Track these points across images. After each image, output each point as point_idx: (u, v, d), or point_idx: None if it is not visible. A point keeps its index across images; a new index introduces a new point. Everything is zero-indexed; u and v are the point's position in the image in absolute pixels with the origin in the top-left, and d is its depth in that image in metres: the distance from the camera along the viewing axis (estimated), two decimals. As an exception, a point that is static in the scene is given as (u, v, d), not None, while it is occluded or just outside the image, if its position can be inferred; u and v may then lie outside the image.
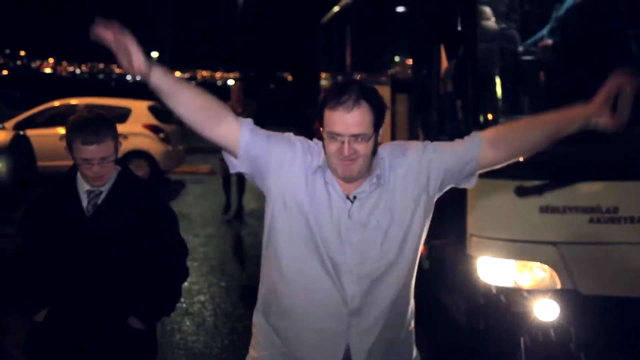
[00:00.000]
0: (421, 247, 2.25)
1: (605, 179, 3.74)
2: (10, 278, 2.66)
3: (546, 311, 3.74)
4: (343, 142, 2.04)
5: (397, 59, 6.11)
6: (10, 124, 10.56)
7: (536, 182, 3.70)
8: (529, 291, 3.78)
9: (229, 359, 4.54)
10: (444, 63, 4.47)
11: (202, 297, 5.69)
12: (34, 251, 2.62)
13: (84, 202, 2.58)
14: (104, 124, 2.61)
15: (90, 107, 11.83)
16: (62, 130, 11.31)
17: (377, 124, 2.08)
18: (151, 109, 11.53)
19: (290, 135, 2.24)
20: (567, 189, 3.71)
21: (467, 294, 4.01)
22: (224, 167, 7.62)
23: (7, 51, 79.28)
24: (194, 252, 7.03)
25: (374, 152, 2.12)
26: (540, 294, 3.77)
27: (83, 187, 2.61)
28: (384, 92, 5.93)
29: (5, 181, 6.24)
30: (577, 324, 3.70)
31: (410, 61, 5.48)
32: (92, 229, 2.54)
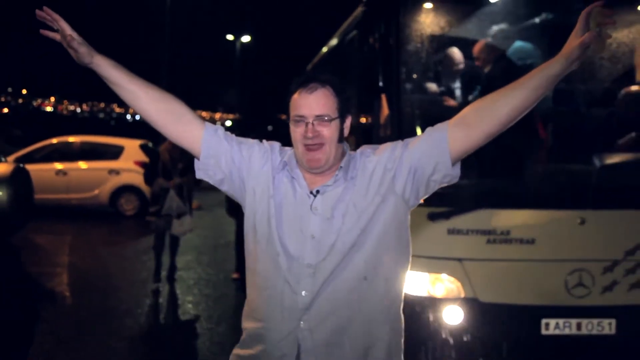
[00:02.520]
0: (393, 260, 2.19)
1: (499, 207, 4.48)
2: None
3: (452, 316, 4.47)
4: (307, 124, 2.03)
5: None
6: (10, 159, 11.42)
7: (444, 209, 4.41)
8: (440, 299, 4.52)
9: None
10: (385, 111, 5.31)
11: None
12: None
13: None
14: None
15: (86, 144, 12.78)
16: (59, 166, 12.19)
17: (341, 111, 2.09)
18: (142, 147, 12.41)
19: (259, 140, 2.24)
20: (469, 215, 4.41)
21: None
22: (157, 225, 7.26)
23: (10, 89, 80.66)
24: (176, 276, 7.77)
25: (340, 139, 2.09)
26: (449, 302, 4.47)
27: None
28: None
29: (5, 209, 6.98)
30: (477, 327, 4.45)
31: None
32: None
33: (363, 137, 5.86)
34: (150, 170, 7.28)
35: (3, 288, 2.46)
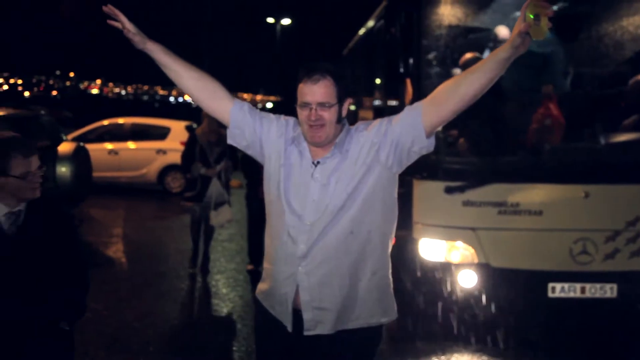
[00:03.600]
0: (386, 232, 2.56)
1: (510, 181, 4.93)
2: None
3: (467, 280, 4.96)
4: (311, 109, 2.42)
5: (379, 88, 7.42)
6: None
7: (460, 183, 4.88)
8: (455, 265, 5.01)
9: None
10: (409, 94, 5.78)
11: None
12: None
13: (5, 225, 2.53)
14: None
15: (135, 125, 13.51)
16: (109, 146, 12.97)
17: (340, 97, 2.45)
18: (187, 128, 13.08)
19: (279, 115, 2.65)
20: (482, 189, 4.88)
21: (412, 267, 5.18)
22: (193, 211, 7.17)
23: (58, 72, 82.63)
24: (219, 246, 8.41)
25: (339, 120, 2.47)
26: (464, 267, 4.94)
27: (1, 210, 2.54)
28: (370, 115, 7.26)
29: (68, 184, 7.68)
30: (489, 290, 4.94)
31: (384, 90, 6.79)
32: (18, 248, 2.51)
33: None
34: (187, 153, 7.00)
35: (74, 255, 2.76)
